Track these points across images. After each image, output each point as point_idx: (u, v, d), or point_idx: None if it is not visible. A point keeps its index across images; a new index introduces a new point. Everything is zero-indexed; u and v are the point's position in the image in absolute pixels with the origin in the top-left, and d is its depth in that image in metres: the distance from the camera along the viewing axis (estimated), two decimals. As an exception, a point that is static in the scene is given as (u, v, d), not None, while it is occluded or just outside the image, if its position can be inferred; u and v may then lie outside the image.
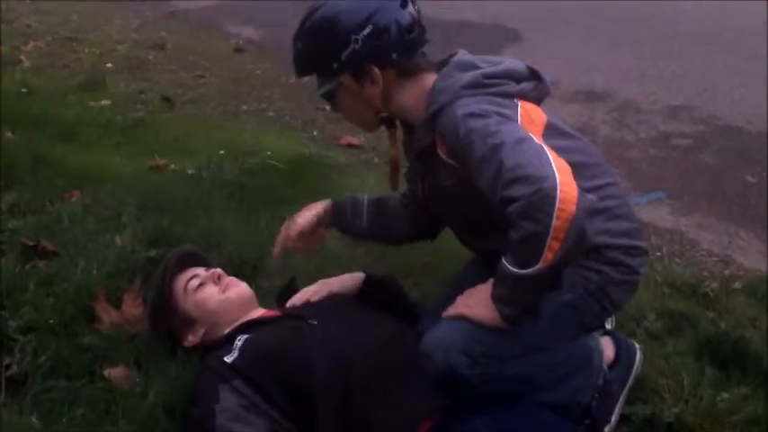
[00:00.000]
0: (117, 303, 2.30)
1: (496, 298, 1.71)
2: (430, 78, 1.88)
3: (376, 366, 1.80)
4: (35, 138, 3.52)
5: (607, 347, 2.04)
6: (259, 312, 2.14)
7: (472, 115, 1.72)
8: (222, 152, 3.60)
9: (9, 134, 3.55)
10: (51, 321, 2.17)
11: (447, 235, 2.29)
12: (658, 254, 2.98)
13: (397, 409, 1.74)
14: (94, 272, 2.40)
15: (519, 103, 1.80)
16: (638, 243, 1.91)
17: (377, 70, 1.85)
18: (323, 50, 1.86)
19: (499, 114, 1.71)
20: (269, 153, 3.58)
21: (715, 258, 3.00)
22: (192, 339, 2.08)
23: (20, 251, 2.54)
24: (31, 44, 5.27)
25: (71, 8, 6.29)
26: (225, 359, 1.87)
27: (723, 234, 3.20)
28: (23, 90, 4.26)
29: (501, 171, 1.60)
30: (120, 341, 2.15)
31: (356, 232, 2.31)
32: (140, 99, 4.39)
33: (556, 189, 1.54)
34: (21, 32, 5.55)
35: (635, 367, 2.06)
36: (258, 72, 5.10)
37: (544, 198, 1.54)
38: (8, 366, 2.03)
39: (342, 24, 1.82)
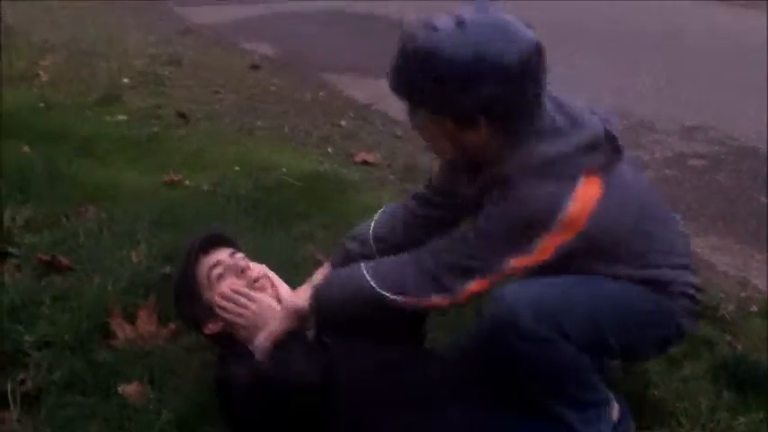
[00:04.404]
0: (132, 319, 2.30)
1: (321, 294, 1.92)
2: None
3: (392, 385, 1.80)
4: (52, 152, 3.54)
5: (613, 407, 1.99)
6: None
7: (507, 210, 1.75)
8: (237, 168, 3.61)
9: (26, 148, 3.58)
10: (66, 337, 2.18)
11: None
12: (674, 275, 2.96)
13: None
14: (110, 287, 2.40)
15: (576, 191, 1.72)
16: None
17: (485, 123, 1.70)
18: (443, 88, 1.66)
19: (527, 225, 1.74)
20: (284, 169, 3.59)
21: (731, 280, 2.97)
22: (212, 328, 2.05)
23: (35, 266, 2.55)
24: (49, 59, 5.31)
25: (89, 23, 6.34)
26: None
27: (739, 256, 3.18)
28: (40, 104, 4.29)
29: (460, 249, 1.79)
30: (135, 357, 2.14)
31: None
32: (156, 114, 4.41)
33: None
34: (38, 47, 5.59)
35: None
36: (273, 88, 5.12)
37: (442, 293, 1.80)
38: (23, 382, 2.03)
39: (473, 69, 1.63)
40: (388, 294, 1.83)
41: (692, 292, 1.91)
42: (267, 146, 4.11)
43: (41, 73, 4.98)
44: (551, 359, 1.78)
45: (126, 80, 5.02)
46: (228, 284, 2.04)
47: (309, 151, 4.11)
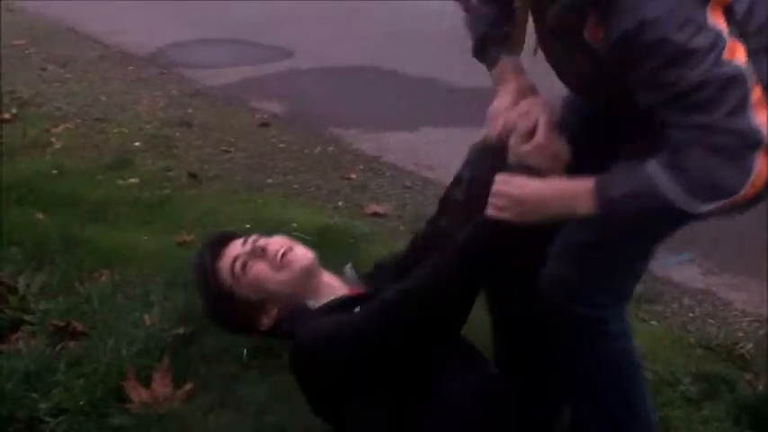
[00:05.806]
0: (147, 382, 2.31)
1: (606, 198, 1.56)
2: None
3: None
4: (65, 218, 3.58)
5: None
6: (337, 282, 2.05)
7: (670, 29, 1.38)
8: (248, 226, 3.63)
9: (40, 215, 3.62)
10: (81, 403, 2.18)
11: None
12: (691, 315, 2.94)
13: None
14: (124, 351, 2.42)
15: None
16: None
17: None
18: None
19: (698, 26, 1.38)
20: (295, 225, 3.60)
21: (749, 318, 2.94)
22: (266, 322, 1.94)
23: (50, 333, 2.57)
24: (62, 126, 5.38)
25: (100, 90, 6.42)
26: None
27: (756, 293, 3.15)
28: (54, 171, 4.33)
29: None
30: (151, 421, 2.15)
31: None
32: (167, 176, 4.45)
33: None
34: (51, 115, 5.67)
35: None
36: (282, 145, 5.16)
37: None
38: (39, 450, 2.04)
39: None
40: (707, 205, 1.51)
41: None
42: (278, 202, 4.13)
43: (54, 140, 5.04)
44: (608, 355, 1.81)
45: (137, 144, 5.08)
46: (257, 271, 1.91)
47: (320, 205, 4.13)
